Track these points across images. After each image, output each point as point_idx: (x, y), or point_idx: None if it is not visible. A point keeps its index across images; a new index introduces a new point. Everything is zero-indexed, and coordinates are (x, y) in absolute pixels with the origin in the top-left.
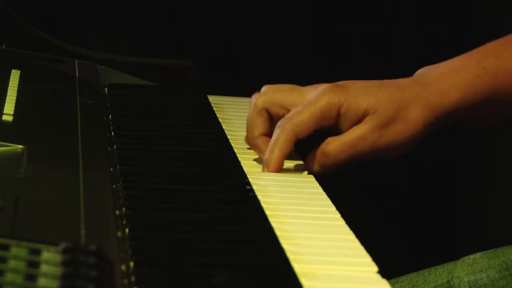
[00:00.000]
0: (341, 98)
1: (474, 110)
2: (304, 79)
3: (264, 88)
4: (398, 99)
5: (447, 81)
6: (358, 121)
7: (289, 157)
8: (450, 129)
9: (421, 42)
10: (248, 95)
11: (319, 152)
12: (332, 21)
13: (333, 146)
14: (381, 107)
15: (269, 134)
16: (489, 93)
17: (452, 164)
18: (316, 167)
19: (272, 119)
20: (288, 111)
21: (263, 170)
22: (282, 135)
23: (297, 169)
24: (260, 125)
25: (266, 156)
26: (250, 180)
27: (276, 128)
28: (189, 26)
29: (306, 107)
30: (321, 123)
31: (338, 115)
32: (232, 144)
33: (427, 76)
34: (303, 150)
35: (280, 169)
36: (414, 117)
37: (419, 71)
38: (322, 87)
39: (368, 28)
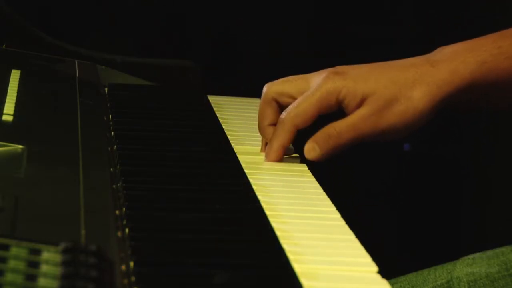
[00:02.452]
0: (339, 85)
1: (486, 89)
2: None
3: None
4: (401, 80)
5: (458, 58)
6: (359, 105)
7: (289, 157)
8: (461, 108)
9: (422, 42)
10: (248, 95)
11: (320, 134)
12: (333, 21)
13: (336, 127)
14: (381, 89)
15: None
16: (502, 73)
17: (452, 164)
18: (316, 151)
19: (283, 108)
20: (295, 99)
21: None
22: (281, 127)
23: (297, 169)
24: (269, 116)
25: (267, 148)
26: (250, 180)
27: (278, 120)
28: (189, 26)
29: (304, 98)
30: (321, 112)
31: (338, 102)
32: (232, 144)
33: (439, 54)
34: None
35: (279, 159)
36: (418, 96)
37: (437, 49)
38: (323, 74)
39: (370, 28)
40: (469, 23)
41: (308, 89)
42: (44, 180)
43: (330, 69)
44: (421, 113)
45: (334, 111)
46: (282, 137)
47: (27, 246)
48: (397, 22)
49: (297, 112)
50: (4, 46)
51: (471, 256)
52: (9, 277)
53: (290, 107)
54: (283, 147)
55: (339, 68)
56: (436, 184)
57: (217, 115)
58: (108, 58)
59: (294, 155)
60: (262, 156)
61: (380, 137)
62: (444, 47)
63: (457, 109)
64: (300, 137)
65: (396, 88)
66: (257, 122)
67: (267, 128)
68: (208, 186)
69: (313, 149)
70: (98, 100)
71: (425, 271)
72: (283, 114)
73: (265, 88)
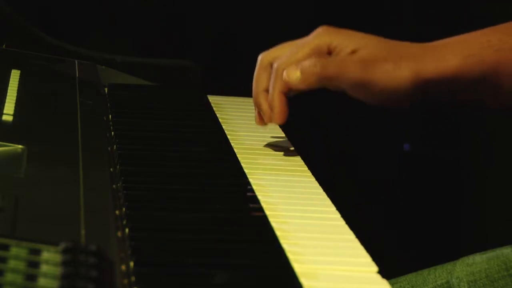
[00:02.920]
0: (332, 37)
1: (472, 81)
2: None
3: None
4: (392, 48)
5: (447, 48)
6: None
7: (289, 157)
8: (446, 98)
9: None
10: (248, 95)
11: (306, 61)
12: (333, 21)
13: (323, 58)
14: (373, 46)
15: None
16: (490, 67)
17: (452, 164)
18: (297, 75)
19: None
20: None
21: (266, 120)
22: (275, 75)
23: (297, 169)
24: (264, 81)
25: (269, 100)
26: (250, 180)
27: (272, 71)
28: (189, 26)
29: (298, 47)
30: None
31: (329, 52)
32: (232, 144)
33: (430, 44)
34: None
35: (284, 109)
36: (406, 66)
37: (428, 42)
38: (317, 29)
39: (370, 28)
40: (469, 23)
41: None
42: (44, 180)
43: (326, 26)
44: (404, 82)
45: None
46: (279, 83)
47: (27, 246)
48: (397, 22)
49: (290, 59)
50: (4, 46)
51: (471, 256)
52: (9, 277)
53: (283, 56)
54: (283, 93)
55: (335, 27)
56: (436, 184)
57: (217, 115)
58: (108, 58)
59: (294, 154)
60: (262, 156)
61: (360, 88)
62: (437, 40)
63: (446, 100)
64: (300, 137)
65: (387, 51)
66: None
67: (261, 93)
68: (208, 186)
69: (294, 73)
70: (98, 100)
71: (425, 271)
72: (277, 64)
73: (260, 56)
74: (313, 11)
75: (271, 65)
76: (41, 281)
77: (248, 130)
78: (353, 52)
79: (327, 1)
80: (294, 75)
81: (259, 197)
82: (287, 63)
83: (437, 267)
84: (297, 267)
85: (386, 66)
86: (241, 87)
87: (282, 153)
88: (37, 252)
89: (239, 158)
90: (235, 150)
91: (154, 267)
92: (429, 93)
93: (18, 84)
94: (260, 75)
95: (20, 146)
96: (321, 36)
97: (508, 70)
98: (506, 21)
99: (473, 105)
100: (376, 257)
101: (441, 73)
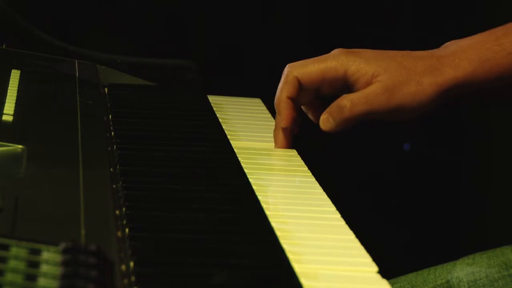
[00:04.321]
0: (350, 60)
1: (488, 83)
2: None
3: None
4: (410, 67)
5: (463, 55)
6: (369, 83)
7: (289, 157)
8: (463, 98)
9: (421, 42)
10: (248, 95)
11: (334, 106)
12: (333, 21)
13: (349, 99)
14: (392, 70)
15: (296, 101)
16: (504, 69)
17: (452, 164)
18: (330, 122)
19: (302, 89)
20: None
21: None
22: (284, 79)
23: (297, 169)
24: (288, 90)
25: (275, 104)
26: (250, 180)
27: (283, 72)
28: (189, 26)
29: (315, 60)
30: (325, 78)
31: (345, 76)
32: (232, 144)
33: (445, 49)
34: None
35: (291, 114)
36: (428, 82)
37: (443, 45)
38: (336, 50)
39: (370, 28)
40: (469, 23)
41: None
42: (44, 180)
43: (343, 49)
44: (429, 98)
45: (337, 86)
46: (286, 87)
47: (27, 246)
48: (397, 22)
49: (303, 68)
50: (4, 46)
51: (471, 256)
52: (9, 277)
53: (300, 63)
54: (290, 98)
55: (352, 49)
56: (436, 184)
57: (217, 115)
58: (108, 58)
59: (294, 154)
60: (262, 156)
61: (389, 115)
62: (450, 42)
63: (460, 100)
64: (302, 141)
65: (406, 72)
66: (256, 122)
67: (283, 100)
68: (208, 186)
69: (327, 120)
70: (98, 100)
71: (425, 271)
72: (290, 67)
73: (287, 68)
74: (313, 11)
75: (296, 78)
76: (41, 281)
77: (248, 130)
78: (373, 77)
79: (327, 2)
80: (328, 124)
81: (259, 197)
82: (299, 71)
83: (437, 267)
84: (297, 267)
85: (409, 88)
86: (241, 87)
87: (282, 153)
88: (37, 252)
89: (239, 158)
90: (235, 150)
91: (154, 267)
92: (450, 98)
93: (18, 84)
94: (284, 85)
95: (20, 146)
96: (341, 57)
97: None
98: (506, 21)
99: (491, 101)
100: (376, 257)
101: (460, 80)
